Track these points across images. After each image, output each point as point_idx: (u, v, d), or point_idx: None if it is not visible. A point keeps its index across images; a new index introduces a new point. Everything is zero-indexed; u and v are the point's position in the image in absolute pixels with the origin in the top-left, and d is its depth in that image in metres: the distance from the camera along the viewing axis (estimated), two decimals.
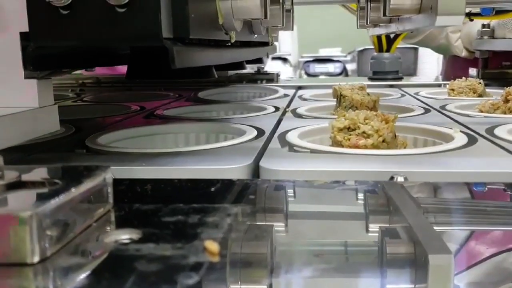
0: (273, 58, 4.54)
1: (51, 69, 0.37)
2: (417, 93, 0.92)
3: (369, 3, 0.65)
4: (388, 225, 0.28)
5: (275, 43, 1.05)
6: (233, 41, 0.51)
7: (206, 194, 0.30)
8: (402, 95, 0.91)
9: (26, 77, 0.36)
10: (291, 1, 0.82)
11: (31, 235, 0.20)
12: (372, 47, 1.59)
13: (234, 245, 0.23)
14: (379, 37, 1.15)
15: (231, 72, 1.15)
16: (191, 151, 0.43)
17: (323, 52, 3.83)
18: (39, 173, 0.26)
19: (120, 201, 0.27)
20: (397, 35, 1.15)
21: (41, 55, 0.36)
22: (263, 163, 0.39)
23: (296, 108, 0.72)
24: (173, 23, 0.35)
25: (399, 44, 1.22)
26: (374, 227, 0.27)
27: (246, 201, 0.30)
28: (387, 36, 1.15)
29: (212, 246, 0.20)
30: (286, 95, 0.94)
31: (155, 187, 0.31)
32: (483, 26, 1.12)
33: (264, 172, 0.38)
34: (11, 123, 0.33)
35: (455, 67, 1.32)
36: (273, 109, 0.72)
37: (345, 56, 3.63)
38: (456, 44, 1.23)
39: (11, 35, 0.35)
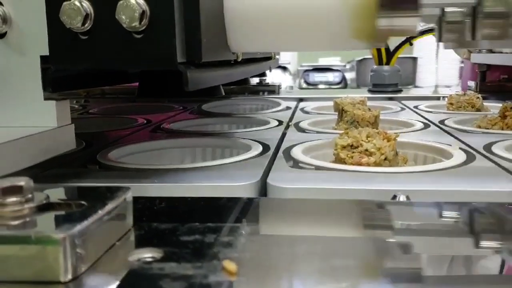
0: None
1: (69, 90, 0.38)
2: (416, 107, 0.94)
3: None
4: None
5: (277, 56, 1.07)
6: (239, 59, 0.53)
7: (221, 213, 0.32)
8: (402, 109, 0.92)
9: (46, 98, 0.37)
10: None
11: (65, 255, 0.21)
12: (371, 57, 1.61)
13: (250, 264, 0.24)
14: (378, 50, 1.17)
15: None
16: (199, 167, 0.45)
17: (323, 61, 3.86)
18: (66, 193, 0.28)
19: (138, 219, 0.29)
20: (396, 48, 1.17)
21: (60, 77, 0.37)
22: (270, 180, 0.40)
23: (298, 122, 0.74)
24: (186, 48, 0.37)
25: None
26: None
27: (258, 219, 0.31)
28: (387, 48, 1.17)
29: (230, 265, 0.22)
30: (288, 108, 0.96)
31: (170, 205, 0.33)
32: None
33: (271, 189, 0.40)
34: (32, 143, 0.35)
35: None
36: (277, 123, 0.74)
37: (344, 66, 3.65)
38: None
39: (31, 58, 0.37)
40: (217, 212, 0.32)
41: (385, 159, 0.48)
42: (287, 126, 0.72)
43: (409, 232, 0.31)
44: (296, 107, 0.98)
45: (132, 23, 0.34)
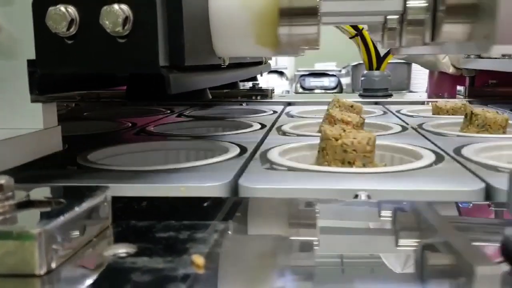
0: (270, 72, 4.61)
1: (56, 93, 0.40)
2: (399, 111, 0.95)
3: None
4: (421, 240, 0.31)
5: (269, 61, 1.08)
6: (226, 64, 0.54)
7: (196, 211, 0.33)
8: (385, 112, 0.94)
9: (33, 101, 0.39)
10: None
11: (40, 249, 0.23)
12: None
13: (220, 258, 0.26)
14: (369, 55, 1.19)
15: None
16: (174, 169, 0.46)
17: (319, 66, 3.89)
18: (46, 192, 0.29)
19: (117, 218, 0.30)
20: (386, 54, 1.19)
21: (46, 80, 0.39)
22: (242, 181, 0.42)
23: (281, 125, 0.75)
24: (169, 52, 0.38)
25: (392, 59, 1.26)
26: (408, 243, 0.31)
27: (231, 218, 0.33)
28: (377, 54, 1.19)
29: (198, 260, 0.23)
30: (274, 112, 0.97)
31: (148, 204, 0.34)
32: None
33: (242, 189, 0.41)
34: (19, 144, 0.36)
35: (442, 83, 1.36)
36: (259, 126, 0.75)
37: (340, 71, 3.68)
38: (444, 61, 1.27)
39: (18, 62, 0.38)
40: (193, 210, 0.33)
41: None
42: (270, 129, 0.73)
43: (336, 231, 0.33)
44: (282, 111, 0.99)
45: (116, 28, 0.35)
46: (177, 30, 0.38)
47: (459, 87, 1.22)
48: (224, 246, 0.27)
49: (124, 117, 0.85)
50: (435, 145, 0.59)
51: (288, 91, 3.56)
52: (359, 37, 1.15)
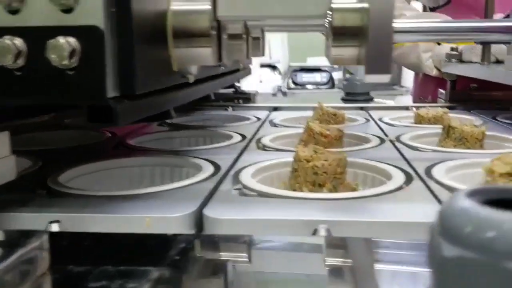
0: (262, 66, 4.59)
1: (7, 122, 0.39)
2: (380, 119, 0.95)
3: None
4: None
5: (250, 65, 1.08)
6: (191, 81, 0.54)
7: (137, 252, 0.33)
8: (367, 120, 0.94)
9: None
10: (260, 30, 0.85)
11: None
12: None
13: None
14: None
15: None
16: (138, 195, 0.46)
17: (311, 61, 3.88)
18: None
19: (56, 261, 0.30)
20: None
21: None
22: (206, 211, 0.41)
23: (261, 137, 0.75)
24: (120, 82, 0.38)
25: None
26: None
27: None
28: None
29: None
30: (258, 119, 0.97)
31: (91, 244, 0.34)
32: (452, 49, 1.15)
33: (207, 221, 0.41)
34: None
35: (426, 85, 1.36)
36: (239, 138, 0.75)
37: (332, 66, 3.67)
38: (427, 63, 1.26)
39: None
40: (133, 252, 0.33)
41: None
42: (248, 143, 0.72)
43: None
44: (266, 118, 0.99)
45: (62, 61, 0.35)
46: (127, 60, 0.37)
47: (441, 91, 1.21)
48: None
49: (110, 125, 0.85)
50: (408, 162, 0.59)
51: (280, 86, 3.55)
52: None
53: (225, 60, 0.54)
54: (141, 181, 0.60)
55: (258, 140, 0.73)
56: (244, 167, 0.56)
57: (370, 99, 1.21)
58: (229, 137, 0.76)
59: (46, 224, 0.38)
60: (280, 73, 4.34)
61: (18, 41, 0.35)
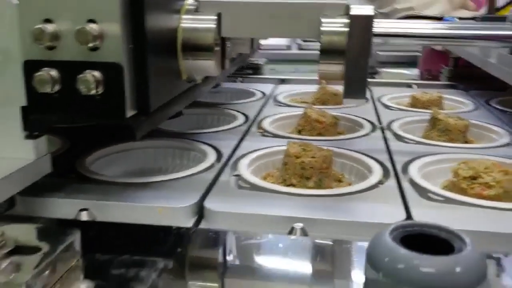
0: None
1: (44, 133, 0.48)
2: (379, 98, 1.02)
3: None
4: None
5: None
6: (199, 82, 0.61)
7: (151, 244, 0.43)
8: (366, 100, 1.01)
9: (25, 138, 0.47)
10: None
11: None
12: None
13: None
14: None
15: None
16: (150, 183, 0.55)
17: None
18: (23, 233, 0.38)
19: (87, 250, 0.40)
20: None
21: (38, 123, 0.47)
22: (207, 203, 0.51)
23: (262, 120, 0.83)
24: (136, 104, 0.46)
25: None
26: None
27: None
28: None
29: None
30: (264, 94, 1.05)
31: (113, 234, 0.44)
32: None
33: (206, 212, 0.50)
34: (13, 178, 0.45)
35: (432, 59, 1.40)
36: (243, 120, 0.84)
37: None
38: None
39: (13, 108, 0.46)
40: (148, 243, 0.43)
41: (504, 191, 0.53)
42: (250, 127, 0.81)
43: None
44: (271, 94, 1.06)
45: (90, 92, 0.43)
46: (143, 88, 0.46)
47: (444, 67, 1.26)
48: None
49: None
50: (390, 156, 0.66)
51: (288, 46, 3.55)
52: None
53: (227, 66, 0.61)
54: (156, 162, 0.70)
55: (260, 123, 0.82)
56: (243, 155, 0.65)
57: (375, 73, 1.26)
58: (234, 117, 0.85)
59: (76, 211, 0.49)
60: None
61: (54, 72, 0.44)
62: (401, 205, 0.52)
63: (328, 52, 0.53)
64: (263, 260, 0.44)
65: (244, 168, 0.61)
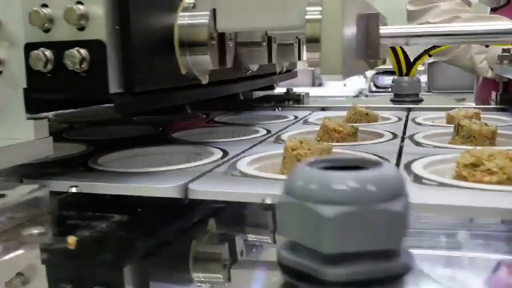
0: None
1: (45, 112, 0.53)
2: (414, 119, 0.99)
3: None
4: None
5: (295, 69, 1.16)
6: (204, 82, 0.64)
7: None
8: (399, 119, 0.98)
9: (28, 118, 0.52)
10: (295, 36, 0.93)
11: None
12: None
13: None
14: (398, 61, 1.22)
15: (257, 94, 1.28)
16: (146, 172, 0.57)
17: None
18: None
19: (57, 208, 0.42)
20: (415, 60, 1.21)
21: (37, 103, 0.51)
22: (191, 185, 0.52)
23: (282, 133, 0.84)
24: (123, 82, 0.49)
25: None
26: None
27: None
28: (407, 60, 1.22)
29: (71, 240, 0.34)
30: (296, 117, 1.05)
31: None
32: (503, 50, 1.15)
33: (190, 192, 0.51)
34: (14, 150, 0.49)
35: (486, 87, 1.35)
36: (264, 133, 0.84)
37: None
38: (481, 65, 1.26)
39: (17, 90, 0.51)
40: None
41: (508, 178, 0.50)
42: (267, 137, 0.81)
43: None
44: (304, 118, 1.07)
45: (75, 66, 0.47)
46: (128, 65, 0.49)
47: (493, 93, 1.21)
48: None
49: (163, 120, 1.00)
50: (399, 155, 0.64)
51: (362, 90, 3.55)
52: None
53: (229, 64, 0.64)
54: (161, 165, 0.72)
55: (279, 135, 0.82)
56: (247, 155, 0.66)
57: (420, 100, 1.23)
58: (256, 132, 0.86)
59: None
60: (365, 76, 4.32)
61: (48, 52, 0.48)
62: None
63: (313, 40, 0.53)
64: None
65: (242, 164, 0.61)
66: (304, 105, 1.29)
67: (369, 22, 0.65)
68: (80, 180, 0.54)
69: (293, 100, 1.30)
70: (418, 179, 0.52)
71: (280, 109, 1.24)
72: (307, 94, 1.34)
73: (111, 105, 0.51)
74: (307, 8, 0.53)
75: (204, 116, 1.11)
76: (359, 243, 0.27)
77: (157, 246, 0.38)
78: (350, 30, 0.55)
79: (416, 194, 0.46)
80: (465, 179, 0.51)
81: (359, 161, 0.31)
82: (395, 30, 0.65)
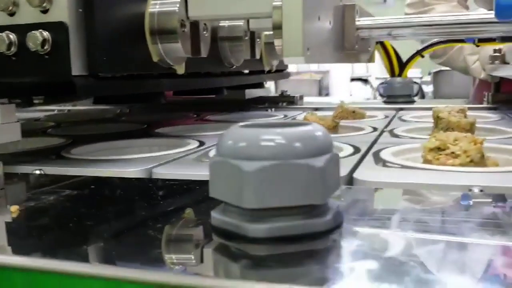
0: (353, 79, 4.60)
1: (10, 97, 0.53)
2: (401, 117, 0.98)
3: None
4: None
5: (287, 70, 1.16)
6: (180, 73, 0.65)
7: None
8: (386, 117, 0.98)
9: None
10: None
11: None
12: (447, 68, 1.63)
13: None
14: (391, 63, 1.22)
15: (250, 94, 1.28)
16: (114, 159, 0.57)
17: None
18: None
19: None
20: (408, 61, 1.21)
21: (1, 88, 0.52)
22: (155, 169, 0.52)
23: None
24: (87, 64, 0.50)
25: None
26: None
27: None
28: (399, 61, 1.21)
29: (13, 208, 0.34)
30: (285, 116, 1.05)
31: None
32: (495, 51, 1.14)
33: (154, 175, 0.51)
34: None
35: (481, 89, 1.33)
36: None
37: (421, 77, 3.58)
38: (473, 66, 1.25)
39: None
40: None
41: (471, 161, 0.50)
42: None
43: None
44: (293, 117, 1.07)
45: (37, 48, 0.48)
46: (91, 48, 0.49)
47: (485, 93, 1.20)
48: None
49: (156, 120, 1.00)
50: (372, 144, 0.64)
51: (367, 99, 3.54)
52: (379, 44, 1.18)
53: (204, 54, 0.64)
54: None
55: None
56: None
57: (411, 101, 1.23)
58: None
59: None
60: (371, 86, 4.32)
61: (12, 35, 0.49)
62: (349, 167, 0.49)
63: (278, 27, 0.53)
64: None
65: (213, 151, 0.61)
66: (297, 106, 1.29)
67: (345, 14, 0.65)
68: (47, 166, 0.54)
69: (287, 101, 1.31)
70: (382, 162, 0.51)
71: (273, 109, 1.24)
72: (301, 96, 1.34)
73: (102, 107, 0.51)
74: None
75: (195, 115, 1.12)
76: (280, 198, 0.27)
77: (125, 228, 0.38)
78: (322, 19, 0.55)
79: (378, 175, 0.46)
80: (430, 162, 0.51)
81: (289, 123, 0.30)
82: (371, 22, 0.66)
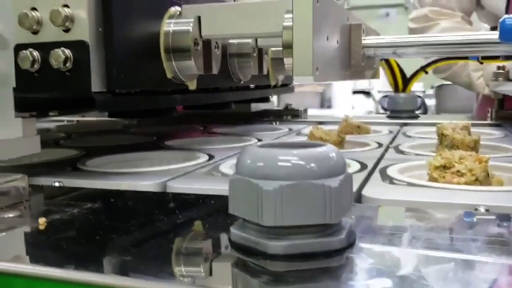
0: (356, 92, 4.63)
1: (32, 112, 0.55)
2: (405, 132, 1.00)
3: None
4: None
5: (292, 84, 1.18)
6: (192, 88, 0.67)
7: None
8: (390, 132, 0.99)
9: (16, 116, 0.54)
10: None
11: None
12: (450, 83, 1.65)
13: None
14: (395, 79, 1.24)
15: (256, 107, 1.30)
16: (127, 172, 0.59)
17: None
18: None
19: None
20: (412, 76, 1.23)
21: (24, 102, 0.54)
22: (170, 183, 0.54)
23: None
24: (106, 81, 0.52)
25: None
26: None
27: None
28: (403, 76, 1.24)
29: (41, 221, 0.36)
30: (290, 130, 1.07)
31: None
32: (498, 68, 1.16)
33: (168, 188, 0.53)
34: (3, 145, 0.52)
35: (485, 104, 1.35)
36: (255, 141, 0.86)
37: (424, 91, 3.60)
38: (478, 82, 1.27)
39: (7, 89, 0.54)
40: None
41: (476, 179, 0.51)
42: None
43: None
44: (298, 130, 1.09)
45: (59, 66, 0.50)
46: (109, 66, 0.51)
47: (489, 109, 1.21)
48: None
49: (165, 132, 1.02)
50: (378, 161, 0.65)
51: (370, 112, 3.56)
52: (383, 60, 1.21)
53: (215, 71, 0.66)
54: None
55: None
56: (229, 157, 0.68)
57: (416, 117, 1.24)
58: (248, 140, 0.88)
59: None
60: (374, 99, 4.34)
61: (35, 53, 0.51)
62: (357, 184, 0.51)
63: (288, 46, 0.55)
64: None
65: (225, 167, 0.63)
66: (302, 119, 1.31)
67: (352, 33, 0.67)
68: (66, 178, 0.56)
69: (291, 115, 1.33)
70: (389, 179, 0.53)
71: (278, 123, 1.26)
72: (305, 109, 1.36)
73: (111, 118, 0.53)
74: (285, 16, 0.56)
75: (202, 128, 1.14)
76: (298, 217, 0.29)
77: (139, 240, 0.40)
78: (330, 39, 0.57)
79: (386, 192, 0.48)
80: (436, 180, 0.53)
81: (305, 143, 0.32)
82: (377, 40, 0.68)
